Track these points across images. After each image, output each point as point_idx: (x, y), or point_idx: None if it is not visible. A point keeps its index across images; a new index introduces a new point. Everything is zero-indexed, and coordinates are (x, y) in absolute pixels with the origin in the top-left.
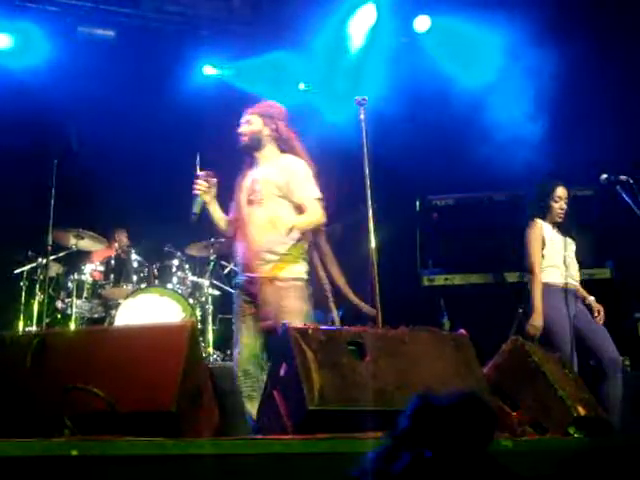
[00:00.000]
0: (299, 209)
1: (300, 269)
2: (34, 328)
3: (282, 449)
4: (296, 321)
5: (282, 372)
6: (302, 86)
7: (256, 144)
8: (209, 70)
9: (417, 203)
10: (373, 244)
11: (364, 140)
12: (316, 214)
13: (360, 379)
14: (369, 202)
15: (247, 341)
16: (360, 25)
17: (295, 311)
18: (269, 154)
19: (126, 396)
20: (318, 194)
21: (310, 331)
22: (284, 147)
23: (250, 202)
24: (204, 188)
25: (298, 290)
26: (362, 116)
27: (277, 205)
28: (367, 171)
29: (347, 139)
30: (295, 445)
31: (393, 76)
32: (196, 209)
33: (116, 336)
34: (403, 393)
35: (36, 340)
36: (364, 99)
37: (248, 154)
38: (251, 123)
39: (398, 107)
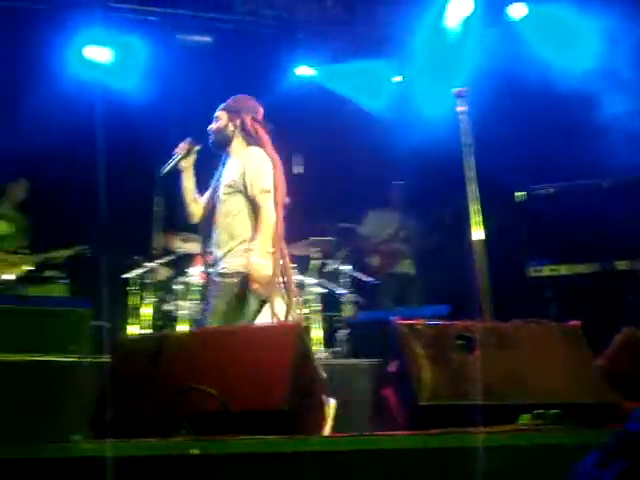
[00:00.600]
0: (252, 202)
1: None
2: (145, 331)
3: (395, 445)
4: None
5: (393, 368)
6: (398, 79)
7: (223, 140)
8: (303, 71)
9: (521, 193)
10: (478, 236)
11: (464, 132)
12: (267, 217)
13: (470, 373)
14: (472, 195)
15: None
16: (455, 16)
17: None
18: (236, 148)
19: (239, 396)
20: (267, 186)
21: (419, 326)
22: (251, 140)
23: (214, 198)
24: (183, 152)
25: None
26: (461, 108)
27: (234, 201)
28: (470, 163)
29: (444, 132)
30: (407, 441)
31: (489, 66)
32: (167, 168)
33: (227, 337)
34: (514, 387)
35: (151, 343)
36: (463, 90)
37: (219, 151)
38: (218, 120)
39: (495, 97)
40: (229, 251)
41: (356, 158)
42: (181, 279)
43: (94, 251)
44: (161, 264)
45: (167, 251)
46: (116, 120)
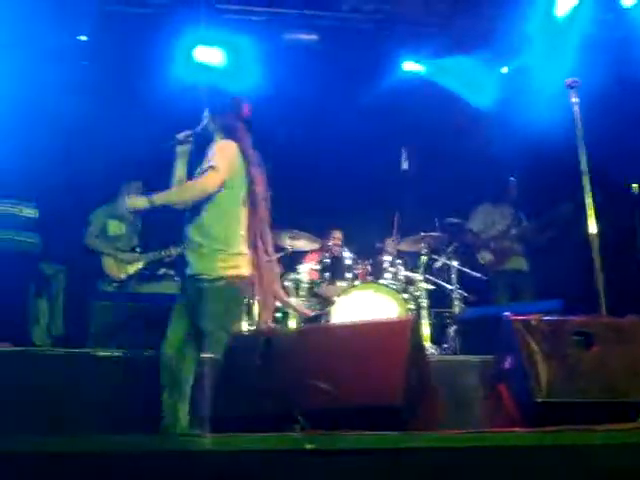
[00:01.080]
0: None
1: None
2: (256, 328)
3: (510, 442)
4: None
5: (507, 365)
6: (505, 70)
7: (205, 139)
8: (409, 66)
9: (636, 186)
10: (593, 230)
11: (576, 123)
12: (190, 186)
13: (588, 370)
14: (586, 188)
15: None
16: (566, 4)
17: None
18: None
19: (352, 391)
20: (214, 163)
21: (534, 322)
22: (229, 136)
23: None
24: (182, 137)
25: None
26: (574, 99)
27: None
28: (582, 155)
29: (555, 125)
30: (523, 438)
31: (600, 54)
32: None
33: (339, 333)
34: (634, 383)
35: (263, 339)
36: (575, 81)
37: (203, 150)
38: (204, 120)
39: (606, 86)
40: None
41: (465, 153)
42: (291, 276)
43: None
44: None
45: (276, 248)
46: None
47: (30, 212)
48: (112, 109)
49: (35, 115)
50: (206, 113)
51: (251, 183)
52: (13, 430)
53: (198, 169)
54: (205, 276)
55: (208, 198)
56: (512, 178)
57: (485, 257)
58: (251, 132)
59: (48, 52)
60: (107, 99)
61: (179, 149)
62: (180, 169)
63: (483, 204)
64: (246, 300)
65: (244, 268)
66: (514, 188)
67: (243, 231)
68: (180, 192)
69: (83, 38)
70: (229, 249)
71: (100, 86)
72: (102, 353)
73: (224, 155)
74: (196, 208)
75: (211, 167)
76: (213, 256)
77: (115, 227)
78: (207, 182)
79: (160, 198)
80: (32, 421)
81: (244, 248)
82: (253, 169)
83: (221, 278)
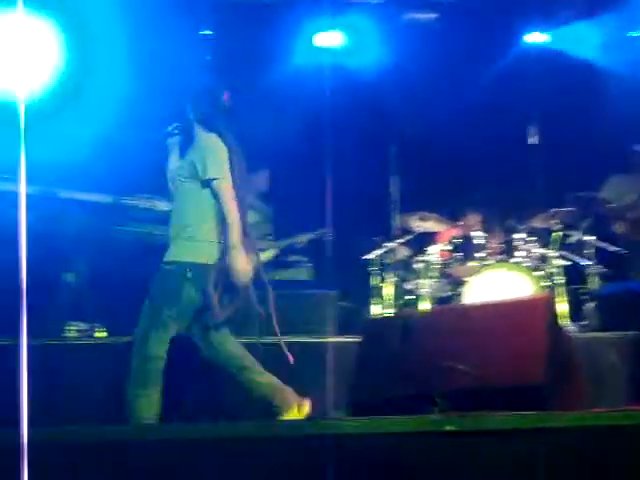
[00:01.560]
0: (206, 185)
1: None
2: (388, 311)
3: None
4: None
5: None
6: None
7: (186, 131)
8: (534, 38)
9: None
10: None
11: None
12: (231, 212)
13: None
14: None
15: None
16: None
17: None
18: (196, 137)
19: (491, 372)
20: (219, 174)
21: None
22: (210, 127)
23: (173, 187)
24: (170, 130)
25: None
26: None
27: (187, 189)
28: None
29: None
30: None
31: None
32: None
33: (476, 313)
34: None
35: (400, 322)
36: None
37: (185, 142)
38: (186, 112)
39: None
40: (176, 238)
41: (593, 123)
42: (421, 257)
43: (335, 234)
44: (400, 244)
45: (406, 230)
46: (350, 104)
47: (163, 205)
48: (236, 100)
49: (162, 113)
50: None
51: (232, 176)
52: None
53: (182, 163)
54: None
55: (193, 198)
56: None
57: (620, 228)
58: (233, 121)
59: (174, 50)
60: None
61: (169, 141)
62: (173, 162)
63: (614, 175)
64: None
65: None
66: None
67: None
68: (232, 218)
69: (207, 32)
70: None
71: (223, 77)
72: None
73: (216, 159)
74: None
75: (216, 179)
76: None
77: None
78: (229, 195)
79: (236, 239)
80: (173, 406)
81: (213, 236)
82: (235, 161)
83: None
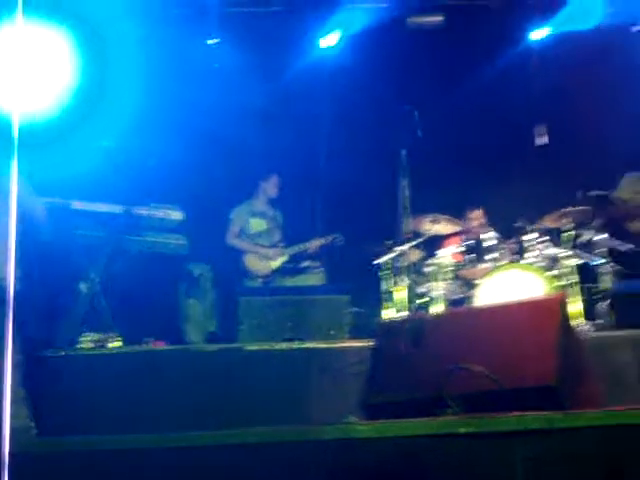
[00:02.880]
0: None
1: None
2: (401, 314)
3: None
4: None
5: None
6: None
7: None
8: (537, 35)
9: None
10: None
11: None
12: None
13: None
14: None
15: None
16: None
17: None
18: None
19: (503, 373)
20: None
21: None
22: None
23: None
24: None
25: None
26: None
27: None
28: None
29: None
30: None
31: None
32: None
33: (488, 315)
34: None
35: (412, 325)
36: None
37: None
38: None
39: None
40: None
41: (605, 122)
42: (432, 260)
43: (346, 239)
44: (411, 247)
45: (416, 234)
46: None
47: (176, 215)
48: (244, 108)
49: (172, 122)
50: None
51: None
52: (169, 426)
53: None
54: None
55: None
56: None
57: (636, 225)
58: None
59: (182, 59)
60: (238, 98)
61: None
62: None
63: (630, 173)
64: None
65: None
66: None
67: None
68: None
69: (213, 41)
70: None
71: (231, 86)
72: (252, 347)
73: None
74: None
75: None
76: None
77: (257, 224)
78: None
79: None
80: (193, 415)
81: None
82: None
83: None
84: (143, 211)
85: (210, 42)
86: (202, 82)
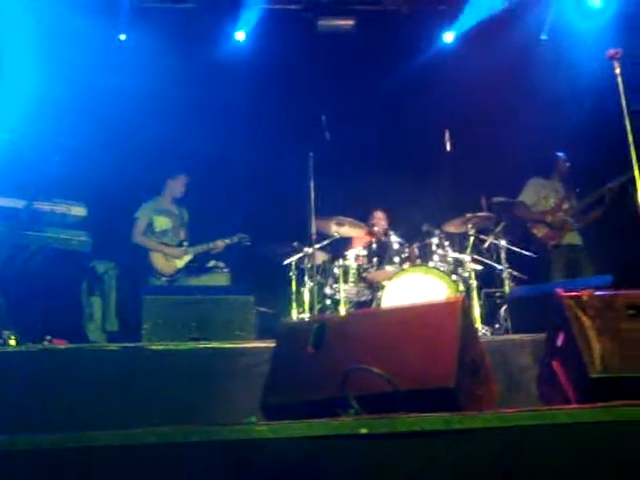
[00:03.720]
0: None
1: None
2: (306, 315)
3: (567, 419)
4: None
5: (559, 342)
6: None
7: None
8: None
9: None
10: None
11: (622, 96)
12: None
13: None
14: (634, 161)
15: None
16: None
17: None
18: None
19: (404, 374)
20: None
21: (585, 298)
22: None
23: None
24: None
25: None
26: (617, 70)
27: None
28: (628, 127)
29: (597, 96)
30: (580, 414)
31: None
32: None
33: (390, 317)
34: None
35: (315, 326)
36: (618, 52)
37: None
38: None
39: None
40: None
41: (508, 130)
42: (338, 262)
43: (252, 238)
44: (317, 249)
45: (323, 235)
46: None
47: (79, 211)
48: (152, 106)
49: (79, 116)
50: None
51: None
52: (68, 425)
53: None
54: None
55: None
56: (560, 154)
57: (541, 231)
58: None
59: (91, 54)
60: (148, 94)
61: None
62: None
63: (535, 178)
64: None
65: None
66: (563, 163)
67: None
68: None
69: (122, 37)
70: None
71: (141, 82)
72: (156, 347)
73: None
74: None
75: None
76: None
77: (162, 222)
78: None
79: None
80: (89, 415)
81: None
82: None
83: None
84: (45, 206)
85: (121, 37)
86: (111, 76)
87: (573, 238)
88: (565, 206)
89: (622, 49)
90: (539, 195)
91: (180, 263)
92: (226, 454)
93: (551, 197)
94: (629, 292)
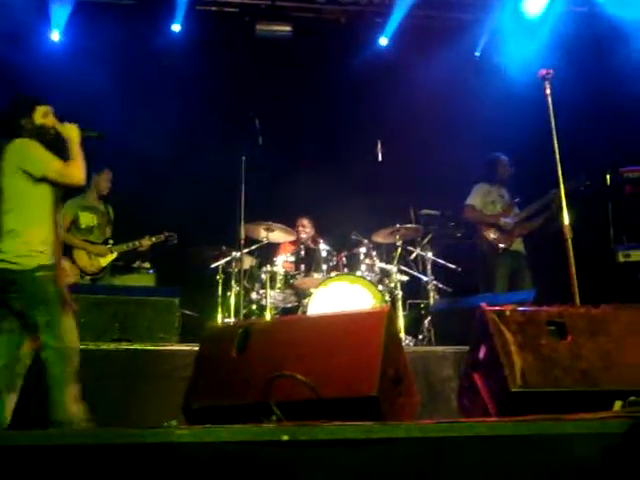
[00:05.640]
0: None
1: None
2: (232, 319)
3: (486, 431)
4: None
5: (481, 355)
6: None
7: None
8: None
9: (607, 177)
10: (566, 221)
11: (551, 115)
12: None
13: (562, 360)
14: (560, 178)
15: None
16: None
17: None
18: None
19: (328, 382)
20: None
21: (508, 312)
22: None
23: None
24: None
25: None
26: (548, 90)
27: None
28: (556, 146)
29: (528, 114)
30: (500, 427)
31: (572, 46)
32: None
33: (316, 324)
34: (607, 373)
35: (240, 331)
36: (549, 72)
37: None
38: None
39: (579, 78)
40: None
41: (445, 140)
42: (265, 268)
43: (179, 240)
44: (245, 253)
45: (252, 241)
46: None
47: None
48: (80, 100)
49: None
50: None
51: None
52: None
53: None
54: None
55: None
56: (503, 156)
57: (490, 235)
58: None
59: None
60: (74, 90)
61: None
62: None
63: (481, 183)
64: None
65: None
66: (506, 167)
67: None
68: None
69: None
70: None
71: (77, 76)
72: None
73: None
74: None
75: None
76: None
77: (87, 219)
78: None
79: None
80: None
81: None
82: None
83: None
84: None
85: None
86: (45, 69)
87: (519, 245)
88: (512, 212)
89: (553, 70)
90: (486, 199)
91: (104, 262)
92: (145, 457)
93: (498, 202)
94: (550, 308)
